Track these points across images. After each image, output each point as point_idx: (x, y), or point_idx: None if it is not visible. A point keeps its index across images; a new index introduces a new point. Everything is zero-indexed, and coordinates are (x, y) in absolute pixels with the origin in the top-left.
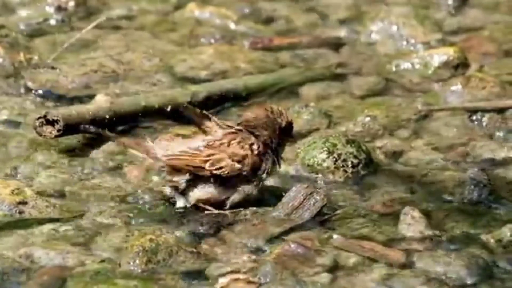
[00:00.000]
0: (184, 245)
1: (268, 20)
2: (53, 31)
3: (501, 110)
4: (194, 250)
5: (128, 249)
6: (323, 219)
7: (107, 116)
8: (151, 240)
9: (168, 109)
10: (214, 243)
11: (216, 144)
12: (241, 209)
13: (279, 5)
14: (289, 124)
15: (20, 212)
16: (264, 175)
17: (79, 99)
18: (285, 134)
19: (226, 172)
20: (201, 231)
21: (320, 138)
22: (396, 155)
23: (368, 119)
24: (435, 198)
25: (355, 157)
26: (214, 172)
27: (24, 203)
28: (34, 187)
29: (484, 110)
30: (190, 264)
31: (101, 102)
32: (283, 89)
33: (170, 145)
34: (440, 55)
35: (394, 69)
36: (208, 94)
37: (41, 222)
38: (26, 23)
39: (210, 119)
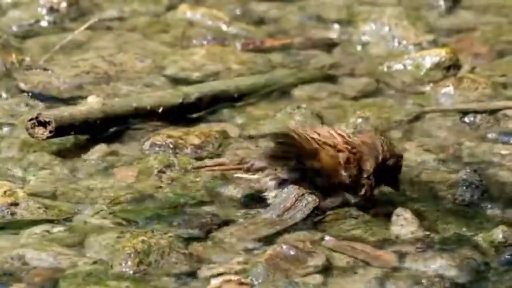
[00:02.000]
0: (176, 247)
1: (260, 21)
2: (45, 33)
3: (493, 111)
4: (186, 251)
5: (120, 250)
6: (315, 220)
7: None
8: (143, 241)
9: (160, 110)
10: (206, 245)
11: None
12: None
13: (271, 6)
14: (393, 167)
15: (12, 214)
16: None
17: (71, 101)
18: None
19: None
20: (193, 232)
21: None
22: None
23: (360, 120)
24: (427, 199)
25: None
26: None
27: (16, 204)
28: (26, 188)
29: (476, 112)
30: (182, 266)
31: (93, 104)
32: (275, 91)
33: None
34: (432, 56)
35: (386, 70)
36: (200, 95)
37: (33, 223)
38: (18, 24)
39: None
